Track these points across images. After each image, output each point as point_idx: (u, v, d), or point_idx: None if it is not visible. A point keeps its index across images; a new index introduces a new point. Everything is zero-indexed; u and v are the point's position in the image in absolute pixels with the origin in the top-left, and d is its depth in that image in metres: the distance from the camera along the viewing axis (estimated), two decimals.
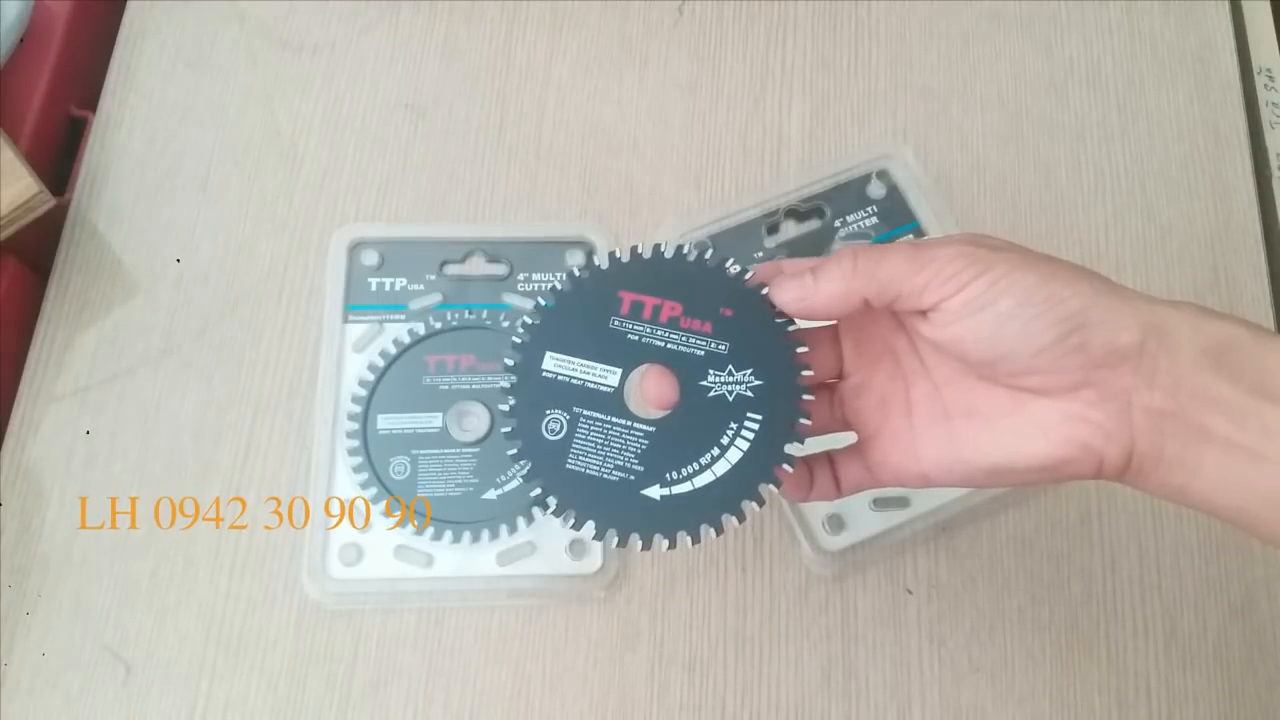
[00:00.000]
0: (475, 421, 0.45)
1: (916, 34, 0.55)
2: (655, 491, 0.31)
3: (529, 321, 0.32)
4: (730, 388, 0.32)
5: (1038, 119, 0.53)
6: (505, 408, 0.32)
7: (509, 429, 0.32)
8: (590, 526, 0.31)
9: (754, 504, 0.31)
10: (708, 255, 0.33)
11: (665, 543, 0.31)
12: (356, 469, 0.44)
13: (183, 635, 0.43)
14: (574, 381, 0.32)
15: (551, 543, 0.44)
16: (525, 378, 0.32)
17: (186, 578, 0.44)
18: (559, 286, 0.33)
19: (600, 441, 0.32)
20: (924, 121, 0.53)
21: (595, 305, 0.32)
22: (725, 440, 0.31)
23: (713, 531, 0.31)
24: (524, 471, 0.32)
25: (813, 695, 0.43)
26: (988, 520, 0.46)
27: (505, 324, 0.47)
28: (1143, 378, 0.28)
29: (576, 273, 0.33)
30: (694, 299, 0.32)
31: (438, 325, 0.47)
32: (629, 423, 0.32)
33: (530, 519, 0.44)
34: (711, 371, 0.32)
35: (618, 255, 0.33)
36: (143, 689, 0.42)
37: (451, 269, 0.48)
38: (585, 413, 0.32)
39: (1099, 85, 0.54)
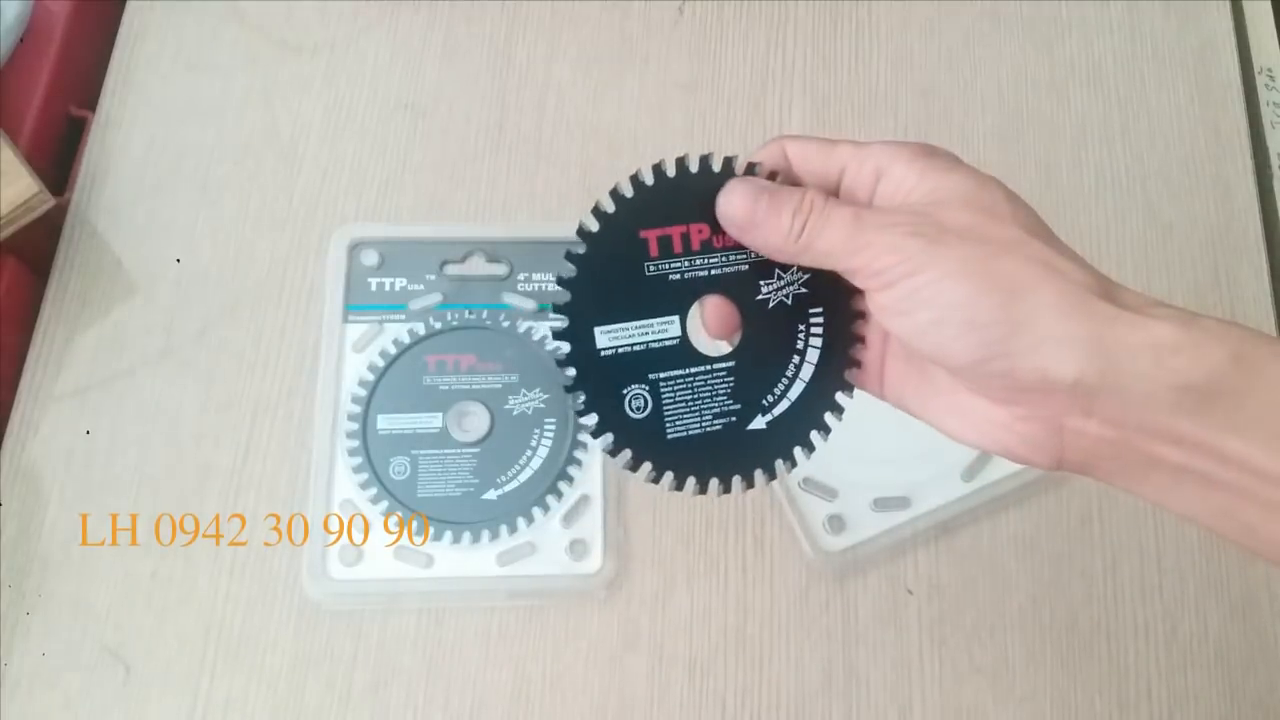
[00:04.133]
0: (475, 422, 0.45)
1: (917, 34, 0.55)
2: (760, 422, 0.29)
3: (561, 302, 0.29)
4: (785, 290, 0.30)
5: (1038, 119, 0.53)
6: (580, 405, 0.29)
7: (594, 427, 0.29)
8: (715, 485, 0.29)
9: (846, 395, 0.30)
10: (711, 161, 0.29)
11: (787, 465, 0.30)
12: (356, 469, 0.44)
13: (183, 635, 0.43)
14: (636, 349, 0.29)
15: (551, 543, 0.44)
16: (585, 365, 0.29)
17: (186, 578, 0.44)
18: (575, 251, 0.29)
19: (689, 398, 0.29)
20: (925, 121, 0.53)
21: (623, 257, 0.29)
22: (800, 344, 0.30)
23: (821, 437, 0.30)
24: (628, 461, 0.29)
25: (813, 695, 0.43)
26: (988, 521, 0.46)
27: (505, 324, 0.47)
28: (1078, 409, 0.25)
29: (588, 227, 0.29)
30: (714, 213, 0.29)
31: (438, 325, 0.47)
32: (708, 366, 0.29)
33: (530, 519, 0.44)
34: (762, 282, 0.29)
35: (622, 192, 0.29)
36: (142, 689, 0.42)
37: (451, 269, 0.48)
38: (663, 376, 0.29)
39: (1100, 85, 0.54)
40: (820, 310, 0.30)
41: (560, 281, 0.29)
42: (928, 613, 0.44)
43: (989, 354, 0.25)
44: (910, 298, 0.26)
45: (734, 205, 0.29)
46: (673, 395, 0.29)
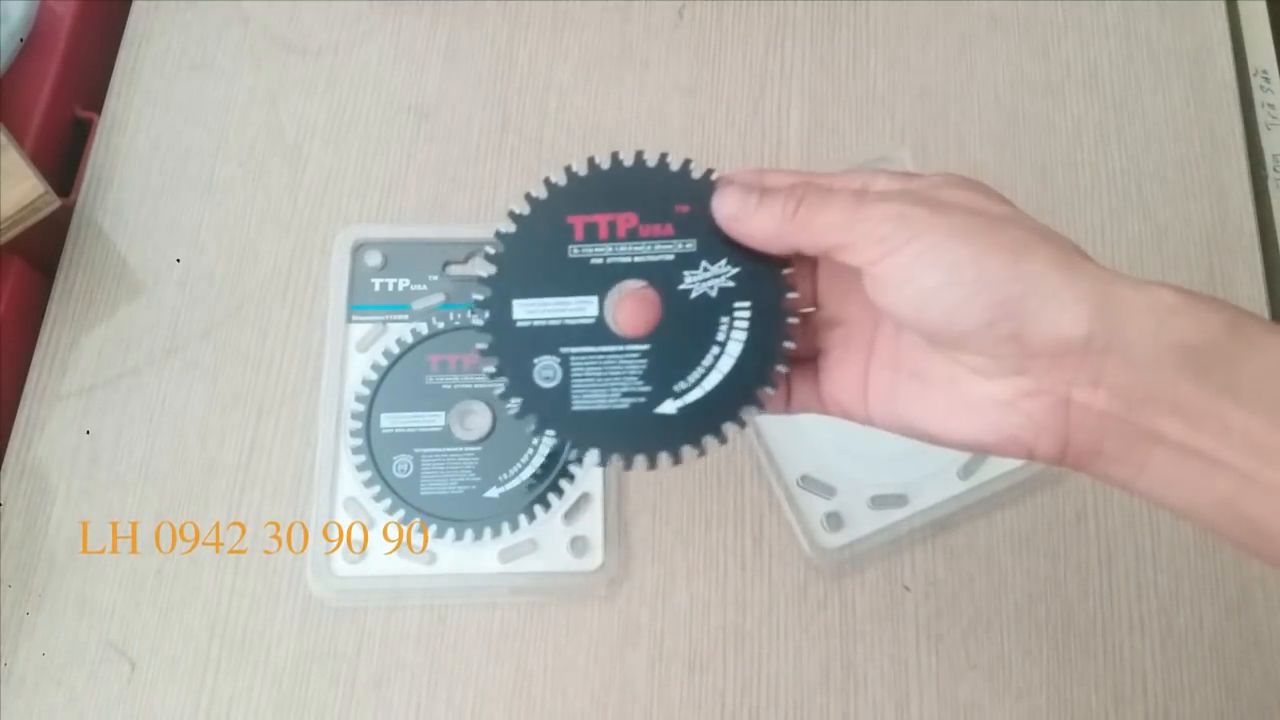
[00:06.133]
0: (477, 420, 0.46)
1: (914, 36, 0.56)
2: (669, 407, 0.30)
3: (485, 275, 0.31)
4: (710, 283, 0.31)
5: (1034, 121, 0.54)
6: (491, 369, 0.31)
7: (502, 390, 0.30)
8: (616, 459, 0.30)
9: (768, 389, 0.30)
10: (646, 156, 0.31)
11: (695, 452, 0.30)
12: (360, 467, 0.45)
13: (187, 632, 0.43)
14: (552, 323, 0.31)
15: (553, 540, 0.44)
16: (501, 334, 0.31)
17: (191, 575, 0.44)
18: (503, 230, 0.31)
19: (599, 375, 0.30)
20: (922, 123, 0.54)
21: (548, 239, 0.31)
22: (721, 336, 0.30)
23: (735, 427, 0.30)
24: (532, 426, 0.30)
25: (811, 691, 0.43)
26: (985, 518, 0.46)
27: None
28: (1086, 373, 0.25)
29: (518, 210, 0.31)
30: (646, 204, 0.31)
31: (440, 325, 0.47)
32: (621, 348, 0.31)
33: (532, 516, 0.44)
34: (686, 273, 0.31)
35: (554, 180, 0.31)
36: (147, 685, 0.43)
37: (454, 269, 0.48)
38: (574, 351, 0.31)
39: (1095, 87, 0.55)
40: (748, 305, 0.30)
41: (487, 256, 0.31)
42: (925, 609, 0.45)
43: (999, 314, 0.25)
44: (914, 262, 0.26)
45: (726, 198, 0.30)
46: (582, 370, 0.31)
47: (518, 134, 0.53)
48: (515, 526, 0.44)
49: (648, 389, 0.30)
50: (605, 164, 0.31)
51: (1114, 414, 0.25)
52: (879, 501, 0.45)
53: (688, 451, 0.30)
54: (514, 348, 0.31)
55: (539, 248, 0.31)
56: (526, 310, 0.31)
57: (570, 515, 0.45)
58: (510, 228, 0.31)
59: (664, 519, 0.46)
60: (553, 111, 0.53)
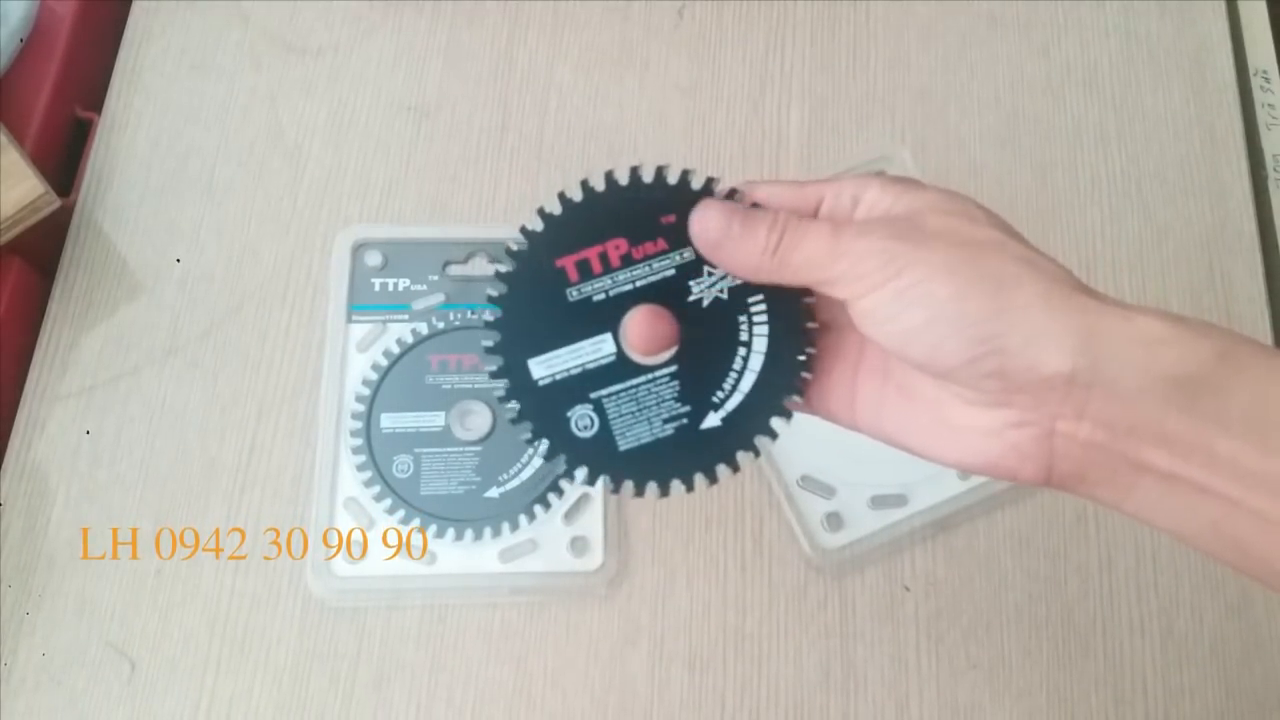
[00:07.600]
0: (478, 420, 0.46)
1: (915, 36, 0.55)
2: (714, 419, 0.30)
3: (490, 344, 0.30)
4: (718, 285, 0.30)
5: (1034, 121, 0.54)
6: (527, 435, 0.30)
7: (545, 451, 0.30)
8: (677, 486, 0.30)
9: (804, 374, 0.30)
10: (617, 176, 0.30)
11: (750, 455, 0.30)
12: (360, 467, 0.45)
13: (187, 632, 0.43)
14: (573, 372, 0.30)
15: (553, 540, 0.44)
16: (526, 396, 0.30)
17: (191, 575, 0.44)
18: (494, 294, 0.30)
19: (635, 409, 0.30)
20: (922, 123, 0.54)
21: (543, 289, 0.30)
22: (744, 336, 0.30)
23: (783, 421, 0.30)
24: (586, 477, 0.30)
25: (811, 692, 0.43)
26: (985, 518, 0.46)
27: None
28: (1070, 407, 0.25)
29: (504, 269, 0.30)
30: (631, 225, 0.30)
31: (440, 325, 0.47)
32: (649, 375, 0.30)
33: (532, 516, 0.44)
34: (692, 282, 0.30)
35: (530, 228, 0.30)
36: (147, 686, 0.43)
37: (454, 269, 0.48)
38: (604, 393, 0.30)
39: (1095, 87, 0.55)
40: (761, 297, 0.30)
41: (486, 324, 0.30)
42: (925, 609, 0.45)
43: (982, 351, 0.25)
44: (897, 300, 0.26)
45: (707, 223, 0.29)
46: (618, 409, 0.30)
47: (518, 134, 0.53)
48: (515, 526, 0.44)
49: (686, 409, 0.30)
50: (578, 196, 0.30)
51: (1098, 444, 0.25)
52: (879, 501, 0.45)
53: (743, 457, 0.30)
54: (543, 407, 0.30)
55: (537, 301, 0.30)
56: (544, 367, 0.30)
57: (570, 515, 0.45)
58: (502, 288, 0.30)
59: (664, 519, 0.46)
60: (553, 111, 0.53)
